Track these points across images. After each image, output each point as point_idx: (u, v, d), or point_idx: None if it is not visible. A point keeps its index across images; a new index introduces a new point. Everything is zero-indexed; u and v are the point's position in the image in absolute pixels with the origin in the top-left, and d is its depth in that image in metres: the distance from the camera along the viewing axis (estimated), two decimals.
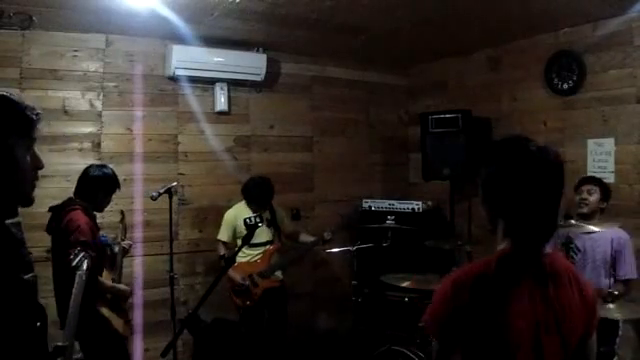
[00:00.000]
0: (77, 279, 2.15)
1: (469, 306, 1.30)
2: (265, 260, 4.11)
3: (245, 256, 4.06)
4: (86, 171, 3.16)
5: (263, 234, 4.08)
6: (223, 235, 4.12)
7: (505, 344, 1.31)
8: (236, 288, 4.02)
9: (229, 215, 4.15)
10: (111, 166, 3.36)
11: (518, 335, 1.30)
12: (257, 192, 4.10)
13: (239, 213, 4.12)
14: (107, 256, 3.24)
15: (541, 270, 1.35)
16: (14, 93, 1.27)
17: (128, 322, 3.28)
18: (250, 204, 4.13)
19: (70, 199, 3.06)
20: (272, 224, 4.22)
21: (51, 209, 3.01)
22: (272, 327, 4.11)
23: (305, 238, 4.42)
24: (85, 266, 2.23)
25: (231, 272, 3.93)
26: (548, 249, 1.40)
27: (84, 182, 3.11)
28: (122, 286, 3.25)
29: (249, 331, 4.00)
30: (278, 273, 4.21)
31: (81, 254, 2.28)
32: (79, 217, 2.92)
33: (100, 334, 2.98)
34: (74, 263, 2.23)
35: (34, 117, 1.26)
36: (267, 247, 4.13)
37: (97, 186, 3.12)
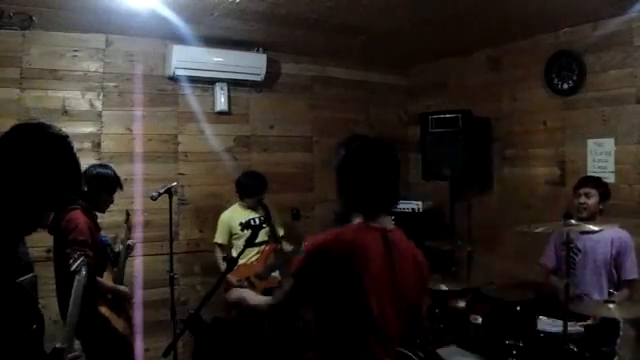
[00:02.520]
0: (76, 283, 2.15)
1: (330, 266, 1.65)
2: (262, 261, 4.10)
3: (242, 257, 4.04)
4: (87, 171, 3.15)
5: (259, 234, 4.06)
6: (219, 238, 4.13)
7: (359, 296, 1.66)
8: None
9: (224, 217, 4.16)
10: (112, 166, 3.35)
11: (370, 288, 1.66)
12: (252, 182, 4.12)
13: (234, 215, 4.13)
14: (108, 256, 3.24)
15: (386, 240, 1.76)
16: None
17: (129, 321, 3.27)
18: (245, 198, 4.13)
19: (71, 199, 3.05)
20: (267, 224, 4.21)
21: None
22: (274, 329, 4.09)
23: (285, 247, 4.34)
24: (84, 271, 2.23)
25: (228, 275, 3.89)
26: (392, 227, 1.82)
27: (85, 182, 3.11)
28: (122, 287, 3.24)
29: (250, 334, 3.99)
30: (276, 274, 4.20)
31: (80, 259, 2.28)
32: (78, 217, 2.92)
33: (99, 333, 2.98)
34: (73, 267, 2.23)
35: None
36: (263, 247, 4.12)
37: (97, 186, 3.12)
